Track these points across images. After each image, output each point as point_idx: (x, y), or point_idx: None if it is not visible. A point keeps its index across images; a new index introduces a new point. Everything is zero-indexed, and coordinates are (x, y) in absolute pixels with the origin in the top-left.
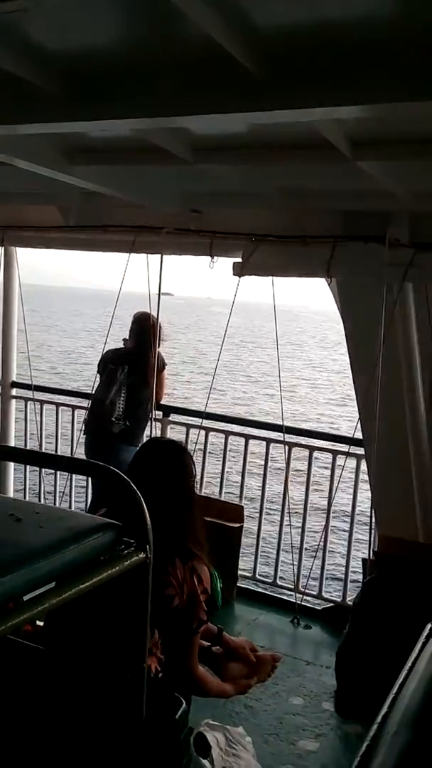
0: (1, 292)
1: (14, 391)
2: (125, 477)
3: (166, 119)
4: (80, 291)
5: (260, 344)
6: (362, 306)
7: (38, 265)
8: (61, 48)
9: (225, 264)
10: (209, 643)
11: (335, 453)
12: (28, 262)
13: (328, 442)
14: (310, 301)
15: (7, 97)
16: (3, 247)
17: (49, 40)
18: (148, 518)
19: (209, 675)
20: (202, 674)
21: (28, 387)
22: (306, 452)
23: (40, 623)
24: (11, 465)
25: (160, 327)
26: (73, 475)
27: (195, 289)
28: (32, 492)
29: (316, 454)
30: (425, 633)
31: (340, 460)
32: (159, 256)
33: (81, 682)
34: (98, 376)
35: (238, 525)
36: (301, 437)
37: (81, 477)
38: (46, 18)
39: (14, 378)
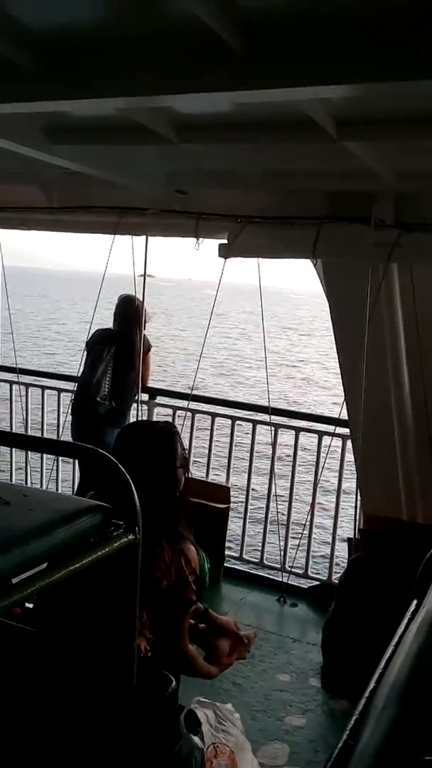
0: None
1: None
2: (113, 459)
3: (150, 98)
4: (54, 273)
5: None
6: (347, 287)
7: (14, 246)
8: (40, 24)
9: (208, 246)
10: (194, 621)
11: (321, 434)
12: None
13: (313, 423)
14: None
15: None
16: None
17: (28, 15)
18: (137, 500)
19: (198, 655)
20: (192, 654)
21: (12, 370)
22: (292, 433)
23: (29, 605)
24: None
25: (145, 309)
26: (60, 458)
27: (176, 271)
28: (18, 477)
29: (302, 435)
30: (410, 609)
31: (326, 440)
32: (143, 237)
33: (71, 662)
34: (84, 356)
35: (224, 506)
36: (288, 418)
37: (68, 460)
38: None
39: None
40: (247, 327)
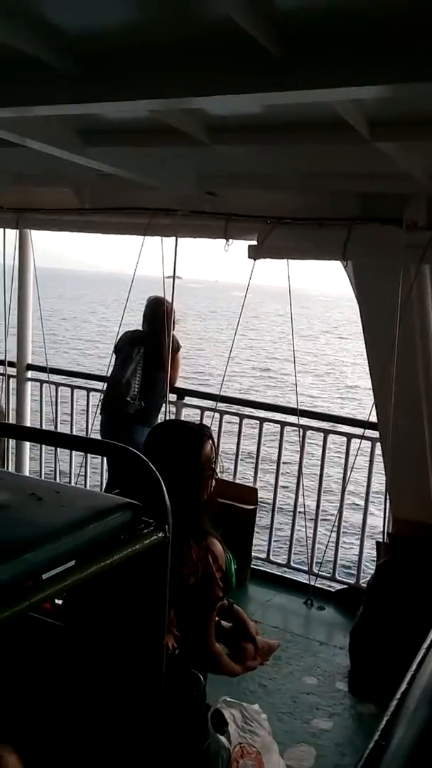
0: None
1: (30, 374)
2: (143, 457)
3: (184, 100)
4: (83, 274)
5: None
6: (378, 289)
7: (42, 247)
8: (76, 28)
9: (235, 248)
10: (219, 618)
11: (350, 436)
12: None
13: (342, 426)
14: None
15: (22, 78)
16: (18, 230)
17: (64, 19)
18: (167, 498)
19: (223, 653)
20: (217, 651)
21: (43, 369)
22: (321, 435)
23: (58, 602)
24: (27, 448)
25: (174, 310)
26: (88, 458)
27: (203, 273)
28: (47, 476)
29: (330, 437)
30: None
31: (354, 443)
32: (172, 238)
33: (100, 658)
34: (114, 357)
35: (252, 507)
36: (316, 420)
37: (96, 460)
38: None
39: (29, 360)
40: (285, 329)
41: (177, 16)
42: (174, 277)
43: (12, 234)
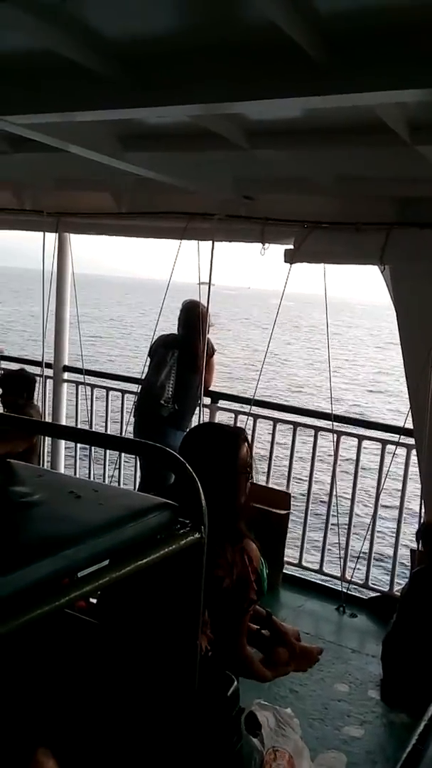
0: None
1: (66, 375)
2: (180, 457)
3: (225, 105)
4: (117, 279)
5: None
6: (416, 294)
7: (80, 255)
8: (119, 34)
9: (269, 254)
10: (258, 626)
11: (384, 442)
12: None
13: (377, 432)
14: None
15: (66, 84)
16: (57, 234)
17: (108, 26)
18: (203, 499)
19: (255, 658)
20: (249, 655)
21: (79, 371)
22: (355, 441)
23: (93, 600)
24: (63, 448)
25: (209, 314)
26: (122, 461)
27: (234, 279)
28: (82, 476)
29: (365, 443)
30: None
31: (389, 449)
32: (208, 243)
33: (134, 658)
34: (148, 360)
35: (284, 512)
36: (351, 426)
37: (129, 462)
38: (105, 4)
39: (66, 362)
40: (340, 339)
41: (218, 22)
42: (210, 281)
43: (51, 238)
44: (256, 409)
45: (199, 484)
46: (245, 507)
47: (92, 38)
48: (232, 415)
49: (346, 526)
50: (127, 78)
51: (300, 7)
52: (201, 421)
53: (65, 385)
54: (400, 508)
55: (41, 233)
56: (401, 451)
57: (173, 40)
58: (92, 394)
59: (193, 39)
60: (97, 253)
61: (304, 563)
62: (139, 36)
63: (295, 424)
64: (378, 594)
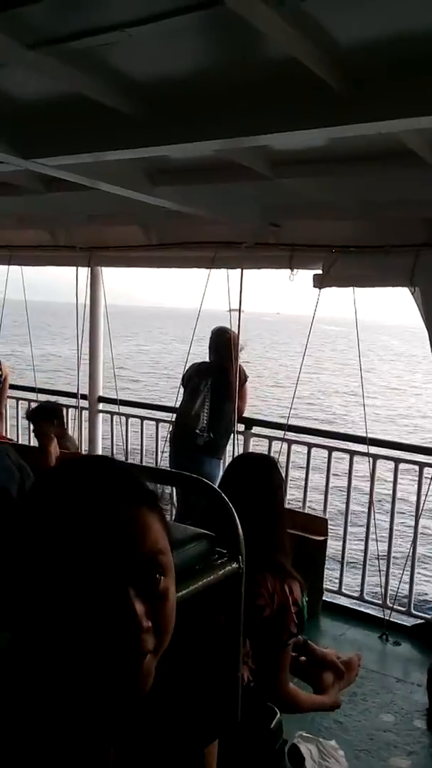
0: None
1: (101, 406)
2: (216, 488)
3: (249, 138)
4: (147, 310)
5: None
6: None
7: (111, 287)
8: (145, 75)
9: (298, 279)
10: (295, 653)
11: (422, 465)
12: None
13: (415, 455)
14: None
15: (95, 125)
16: (89, 268)
17: (135, 69)
18: (240, 529)
19: (300, 691)
20: (293, 691)
21: (114, 402)
22: (391, 464)
23: None
24: None
25: (239, 340)
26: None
27: (263, 305)
28: None
29: (402, 466)
30: None
31: (427, 472)
32: (237, 271)
33: (174, 688)
34: (182, 389)
35: (322, 538)
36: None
37: (166, 490)
38: (133, 48)
39: (101, 393)
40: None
41: (240, 59)
42: (240, 309)
43: (84, 273)
44: (290, 435)
45: (236, 515)
46: (284, 536)
47: (120, 80)
48: (267, 441)
49: (386, 552)
50: (153, 117)
51: (320, 42)
52: (235, 448)
53: (100, 415)
54: None
55: (74, 268)
56: None
57: (197, 78)
58: (127, 424)
59: (217, 77)
60: (128, 285)
61: (344, 590)
62: (164, 76)
63: (330, 449)
64: (421, 621)
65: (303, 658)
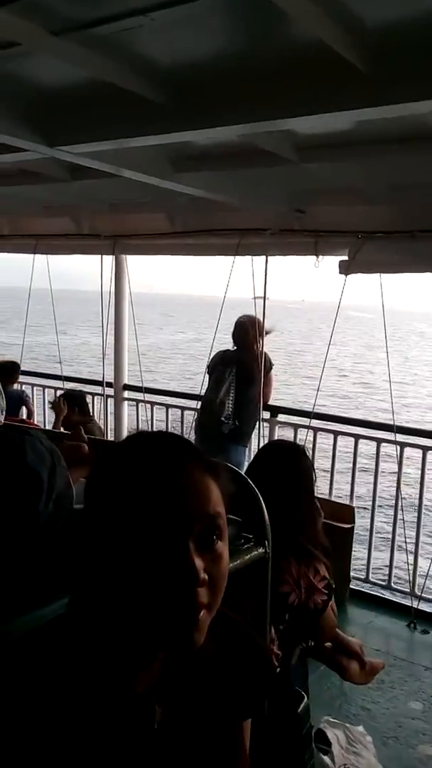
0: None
1: (126, 394)
2: (242, 473)
3: (274, 122)
4: (171, 298)
5: None
6: None
7: (134, 277)
8: (168, 60)
9: (323, 267)
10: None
11: None
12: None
13: None
14: None
15: (120, 112)
16: (114, 256)
17: (158, 53)
18: (266, 515)
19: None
20: (340, 634)
21: (139, 389)
22: (419, 452)
23: None
24: None
25: (264, 328)
26: None
27: (287, 293)
28: None
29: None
30: None
31: None
32: (262, 258)
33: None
34: (207, 377)
35: (349, 525)
36: (415, 437)
37: None
38: (156, 33)
39: (126, 381)
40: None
41: (264, 42)
42: (264, 296)
43: (109, 261)
44: (315, 422)
45: (262, 500)
46: (314, 523)
47: (144, 66)
48: (292, 429)
49: (414, 540)
50: (177, 102)
51: (344, 21)
52: (261, 436)
53: (125, 403)
54: None
55: (98, 256)
56: None
57: (222, 63)
58: (152, 412)
59: (242, 60)
60: (151, 273)
61: (371, 578)
62: (188, 62)
63: (356, 436)
64: None
65: (329, 644)
